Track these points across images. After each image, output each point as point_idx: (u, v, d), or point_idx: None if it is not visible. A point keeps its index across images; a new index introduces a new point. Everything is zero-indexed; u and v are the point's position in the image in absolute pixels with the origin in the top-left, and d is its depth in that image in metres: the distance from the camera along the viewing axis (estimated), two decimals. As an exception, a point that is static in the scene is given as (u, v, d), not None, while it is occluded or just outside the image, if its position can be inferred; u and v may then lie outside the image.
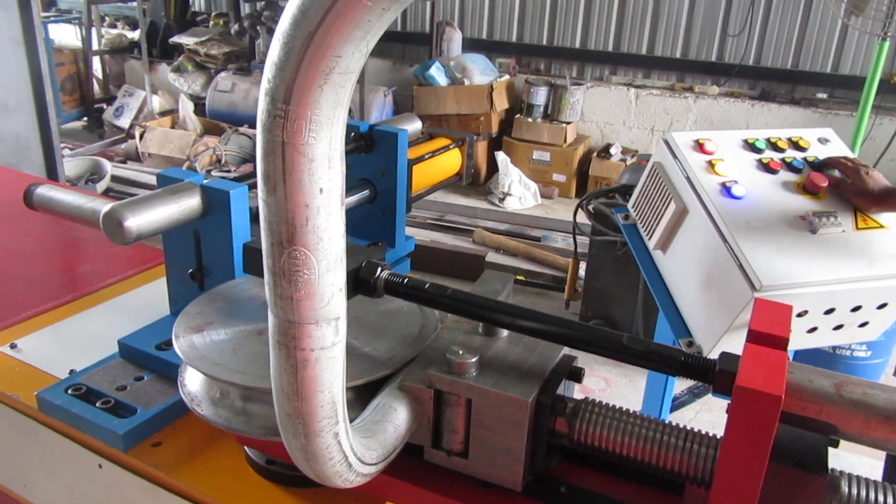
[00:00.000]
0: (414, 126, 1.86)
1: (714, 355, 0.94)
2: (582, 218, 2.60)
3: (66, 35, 9.23)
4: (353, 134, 1.68)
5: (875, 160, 5.70)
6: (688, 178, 1.80)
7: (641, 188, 2.00)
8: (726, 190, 1.74)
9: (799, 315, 1.66)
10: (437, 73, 7.01)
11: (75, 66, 8.24)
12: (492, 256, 5.31)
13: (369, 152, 1.71)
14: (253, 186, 1.46)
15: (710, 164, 1.80)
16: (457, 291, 1.05)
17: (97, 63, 8.59)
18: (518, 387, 0.96)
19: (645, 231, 1.98)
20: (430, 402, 0.99)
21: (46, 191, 1.49)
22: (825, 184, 1.77)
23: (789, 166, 1.84)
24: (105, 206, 1.25)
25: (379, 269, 1.06)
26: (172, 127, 7.43)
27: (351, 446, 0.85)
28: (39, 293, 1.75)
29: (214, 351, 1.08)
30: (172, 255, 1.46)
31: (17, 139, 4.76)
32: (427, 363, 1.02)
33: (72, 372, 1.43)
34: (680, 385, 3.30)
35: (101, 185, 6.19)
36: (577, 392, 1.12)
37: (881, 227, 1.74)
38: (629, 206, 2.08)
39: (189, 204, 1.31)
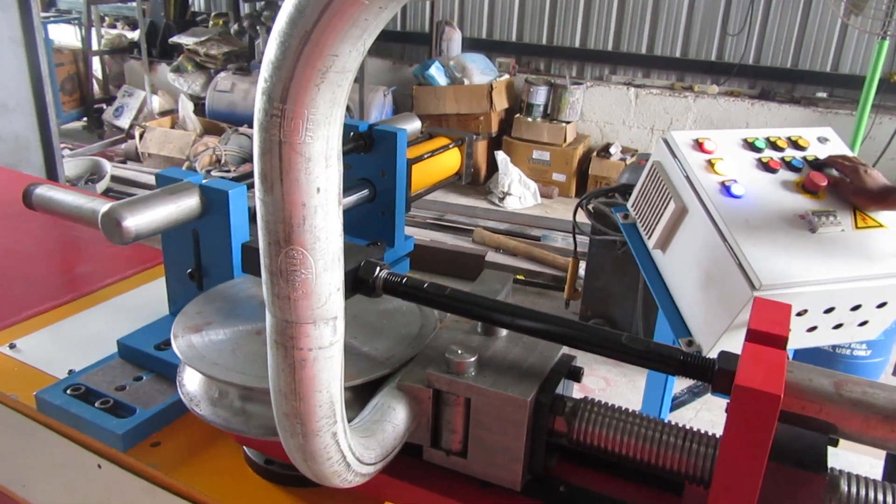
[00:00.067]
0: (413, 125, 1.85)
1: (713, 354, 0.94)
2: (582, 217, 2.60)
3: (65, 35, 9.23)
4: (352, 133, 1.67)
5: (875, 159, 5.70)
6: (687, 178, 1.80)
7: (641, 187, 2.00)
8: (726, 189, 1.74)
9: (798, 314, 1.66)
10: (436, 72, 7.00)
11: (75, 66, 8.24)
12: (492, 256, 5.31)
13: (368, 152, 1.71)
14: (252, 186, 1.46)
15: (710, 164, 1.80)
16: (456, 291, 1.05)
17: (97, 63, 8.59)
18: (517, 386, 0.96)
19: (644, 230, 1.98)
20: (429, 401, 0.99)
21: (45, 191, 1.49)
22: (824, 183, 1.77)
23: (789, 165, 1.84)
24: (104, 206, 1.25)
25: (378, 268, 1.06)
26: (172, 127, 7.43)
27: (349, 446, 0.85)
28: (38, 293, 1.74)
29: (213, 351, 1.08)
30: (171, 255, 1.46)
31: (17, 139, 4.76)
32: (426, 363, 1.02)
33: (71, 372, 1.43)
34: (680, 384, 3.30)
35: (101, 186, 6.19)
36: (577, 391, 1.12)
37: (880, 226, 1.74)
38: (628, 205, 2.08)
39: (188, 204, 1.31)
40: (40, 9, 5.41)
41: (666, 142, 1.89)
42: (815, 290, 1.61)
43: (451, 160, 2.00)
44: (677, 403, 3.31)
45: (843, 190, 1.77)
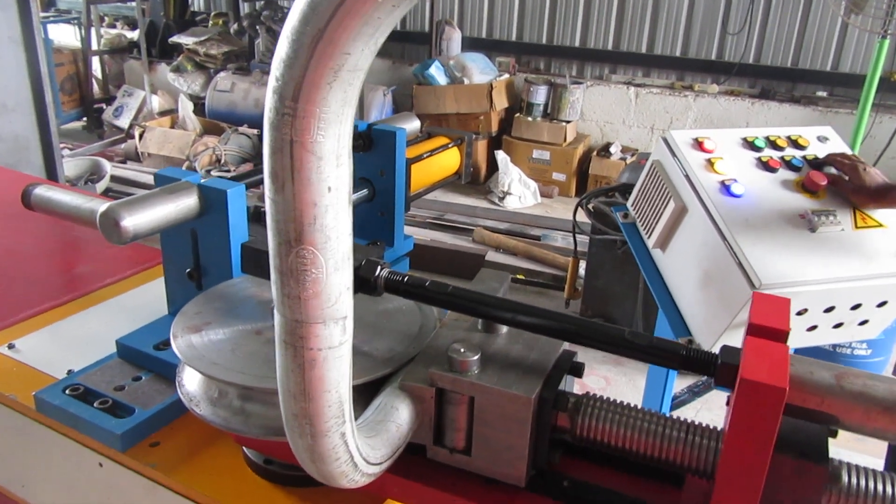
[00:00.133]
0: (412, 125, 1.85)
1: (713, 353, 0.94)
2: (582, 217, 2.60)
3: (65, 35, 9.23)
4: (351, 133, 1.67)
5: (875, 158, 5.70)
6: (687, 177, 1.80)
7: (640, 187, 2.00)
8: (725, 188, 1.74)
9: (798, 313, 1.66)
10: (436, 72, 7.00)
11: (74, 66, 8.24)
12: (492, 255, 5.31)
13: (368, 151, 1.71)
14: (250, 186, 1.46)
15: (710, 163, 1.80)
16: (458, 289, 1.05)
17: (96, 63, 8.59)
18: (521, 383, 0.96)
19: (644, 230, 1.98)
20: (432, 400, 0.99)
21: (44, 191, 1.49)
22: (824, 182, 1.77)
23: (788, 165, 1.84)
24: (102, 206, 1.25)
25: (379, 267, 1.06)
26: (172, 127, 7.43)
27: (357, 446, 0.85)
28: (38, 293, 1.74)
29: (212, 351, 1.07)
30: (170, 255, 1.46)
31: (17, 139, 4.76)
32: (427, 362, 1.02)
33: (70, 372, 1.43)
34: (680, 384, 3.30)
35: (101, 186, 6.19)
36: (577, 390, 1.12)
37: (880, 225, 1.74)
38: (628, 204, 2.07)
39: (186, 203, 1.31)
40: (40, 9, 5.41)
41: (665, 141, 1.88)
42: (815, 289, 1.61)
43: (450, 159, 2.00)
44: (677, 403, 3.31)
45: (841, 188, 1.77)
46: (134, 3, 8.03)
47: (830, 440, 0.88)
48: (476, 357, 0.98)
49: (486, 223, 5.91)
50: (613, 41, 7.36)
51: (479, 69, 7.08)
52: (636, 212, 2.03)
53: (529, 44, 7.71)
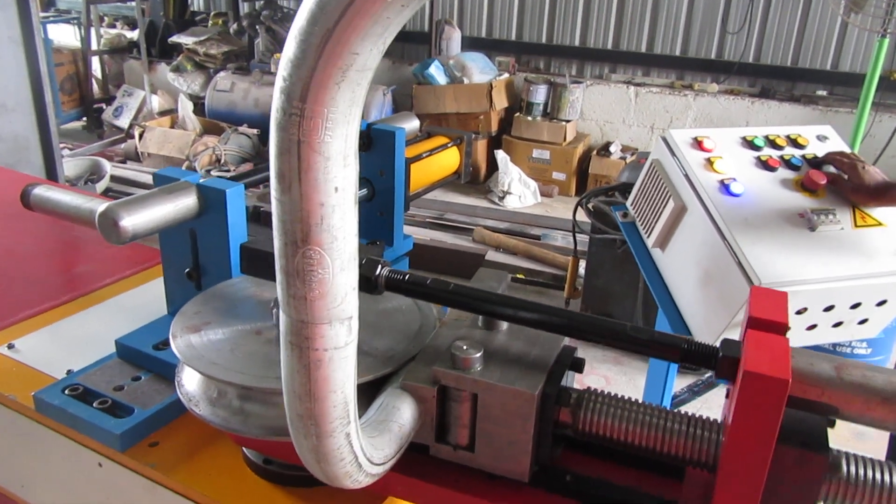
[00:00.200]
0: (412, 124, 1.85)
1: (712, 353, 0.95)
2: (582, 216, 2.59)
3: (65, 35, 9.23)
4: (350, 133, 1.67)
5: (875, 157, 5.70)
6: (686, 176, 1.80)
7: (640, 186, 2.00)
8: (725, 187, 1.74)
9: (798, 312, 1.65)
10: (436, 71, 7.00)
11: (74, 66, 8.24)
12: (492, 255, 5.31)
13: (367, 151, 1.70)
14: (249, 185, 1.46)
15: (709, 162, 1.80)
16: (459, 286, 1.06)
17: (96, 63, 8.59)
18: (524, 379, 0.97)
19: (644, 229, 1.98)
20: (434, 400, 0.99)
21: (43, 191, 1.49)
22: (823, 181, 1.77)
23: (788, 164, 1.84)
24: (101, 206, 1.25)
25: (379, 266, 1.06)
26: (172, 127, 7.42)
27: (361, 446, 0.85)
28: (37, 293, 1.74)
29: (212, 350, 1.07)
30: (169, 255, 1.46)
31: (16, 139, 4.76)
32: (428, 361, 1.02)
33: (69, 372, 1.43)
34: (679, 383, 3.30)
35: (101, 186, 6.19)
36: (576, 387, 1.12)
37: (880, 224, 1.74)
38: (628, 204, 2.07)
39: (185, 203, 1.31)
40: (39, 9, 5.41)
41: (665, 140, 1.88)
42: (815, 288, 1.61)
43: (449, 159, 2.00)
44: (677, 402, 3.31)
45: (841, 186, 1.77)
46: (133, 3, 8.03)
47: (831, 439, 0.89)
48: (479, 354, 0.98)
49: (486, 223, 5.91)
50: (613, 40, 7.36)
51: (479, 69, 7.08)
52: (635, 211, 2.03)
53: (529, 43, 7.71)
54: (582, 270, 4.31)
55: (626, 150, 6.83)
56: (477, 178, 6.94)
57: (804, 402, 0.87)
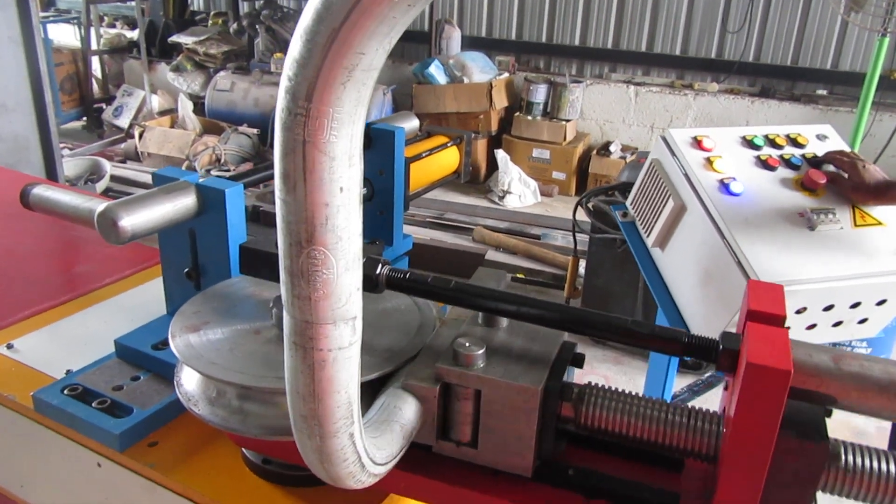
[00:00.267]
0: (411, 124, 1.85)
1: (712, 352, 0.95)
2: (581, 216, 2.60)
3: (64, 35, 9.23)
4: (349, 132, 1.67)
5: (875, 157, 5.70)
6: (686, 175, 1.79)
7: (639, 185, 2.00)
8: (724, 187, 1.74)
9: (798, 311, 1.65)
10: (436, 71, 7.00)
11: (74, 65, 8.24)
12: (492, 254, 5.30)
13: (366, 150, 1.70)
14: (249, 185, 1.46)
15: (709, 161, 1.80)
16: (460, 283, 1.06)
17: (96, 63, 8.59)
18: (527, 375, 0.98)
19: (643, 228, 1.98)
20: (435, 400, 0.99)
21: (43, 191, 1.49)
22: (823, 180, 1.77)
23: (787, 163, 1.84)
24: (100, 206, 1.25)
25: (380, 264, 1.06)
26: (172, 126, 7.42)
27: (364, 447, 0.85)
28: (36, 293, 1.74)
29: (211, 350, 1.07)
30: (168, 255, 1.46)
31: (16, 139, 4.76)
32: (429, 361, 1.02)
33: (68, 372, 1.43)
34: (679, 383, 3.30)
35: (101, 185, 6.19)
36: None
37: (879, 223, 1.74)
38: (627, 203, 2.07)
39: (184, 203, 1.31)
40: (39, 8, 5.41)
41: (665, 140, 1.88)
42: (814, 287, 1.61)
43: (449, 158, 2.00)
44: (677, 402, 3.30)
45: (841, 185, 1.77)
46: (133, 3, 8.03)
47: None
48: (481, 351, 0.99)
49: (485, 222, 5.91)
50: (613, 40, 7.35)
51: (479, 68, 7.07)
52: (635, 210, 2.02)
53: (529, 42, 7.70)
54: (582, 270, 4.31)
55: (626, 150, 6.83)
56: (477, 178, 6.94)
57: (803, 393, 0.89)
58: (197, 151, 6.76)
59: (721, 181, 1.75)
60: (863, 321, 1.77)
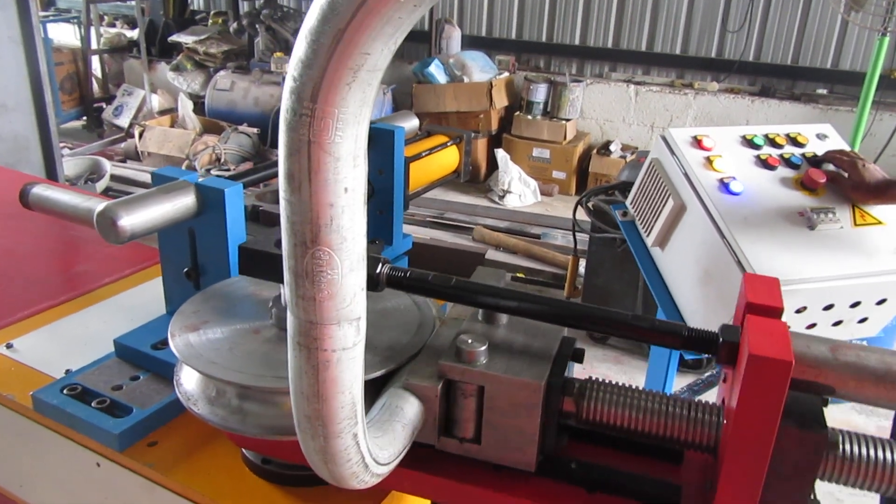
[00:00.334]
0: (411, 123, 1.85)
1: (712, 352, 0.96)
2: (581, 215, 2.59)
3: (64, 34, 9.22)
4: (349, 131, 1.67)
5: (875, 156, 5.70)
6: (686, 175, 1.79)
7: (639, 185, 2.00)
8: (724, 186, 1.74)
9: (798, 311, 1.65)
10: (436, 70, 7.00)
11: (74, 65, 8.23)
12: (492, 254, 5.30)
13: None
14: (248, 185, 1.45)
15: (709, 161, 1.80)
16: (461, 280, 1.07)
17: (96, 62, 8.58)
18: (529, 370, 0.98)
19: (643, 228, 1.98)
20: (437, 399, 1.00)
21: (42, 190, 1.48)
22: (823, 180, 1.77)
23: (787, 162, 1.84)
24: (99, 206, 1.25)
25: (380, 263, 1.06)
26: (172, 126, 7.42)
27: (367, 447, 0.85)
28: (36, 293, 1.74)
29: (210, 350, 1.07)
30: (168, 254, 1.46)
31: (16, 139, 4.76)
32: (430, 360, 1.03)
33: (67, 372, 1.43)
34: (679, 382, 3.29)
35: (101, 185, 6.19)
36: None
37: (879, 223, 1.73)
38: (627, 202, 2.07)
39: (184, 202, 1.31)
40: (39, 8, 5.41)
41: (664, 139, 1.88)
42: (814, 286, 1.61)
43: (449, 158, 2.00)
44: (677, 401, 3.30)
45: (840, 184, 1.77)
46: (133, 2, 8.03)
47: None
48: (484, 347, 0.99)
49: (485, 222, 5.91)
50: (613, 39, 7.35)
51: (479, 67, 7.07)
52: (635, 210, 2.02)
53: (529, 42, 7.70)
54: (582, 269, 4.30)
55: (626, 149, 6.83)
56: (477, 177, 6.94)
57: (802, 383, 0.90)
58: (197, 151, 6.76)
59: (721, 180, 1.75)
60: (863, 320, 1.77)
